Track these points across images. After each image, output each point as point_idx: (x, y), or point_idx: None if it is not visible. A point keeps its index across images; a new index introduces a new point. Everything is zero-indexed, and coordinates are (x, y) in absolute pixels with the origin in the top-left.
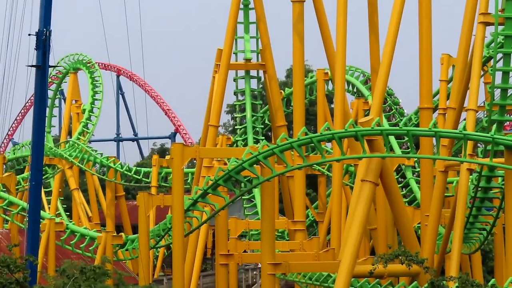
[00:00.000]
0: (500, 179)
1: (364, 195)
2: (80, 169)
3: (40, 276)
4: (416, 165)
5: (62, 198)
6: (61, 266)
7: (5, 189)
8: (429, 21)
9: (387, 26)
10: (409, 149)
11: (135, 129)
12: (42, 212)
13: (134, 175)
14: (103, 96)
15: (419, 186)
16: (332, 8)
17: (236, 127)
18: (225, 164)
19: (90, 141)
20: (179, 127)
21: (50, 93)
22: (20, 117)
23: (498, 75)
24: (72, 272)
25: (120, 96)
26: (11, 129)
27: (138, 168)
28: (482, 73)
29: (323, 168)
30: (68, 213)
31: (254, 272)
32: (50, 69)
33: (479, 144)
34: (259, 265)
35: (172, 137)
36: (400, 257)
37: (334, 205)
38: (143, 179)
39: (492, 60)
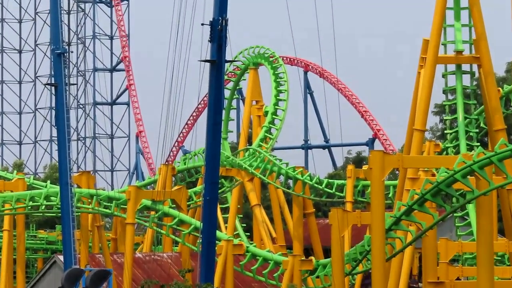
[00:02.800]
0: None
1: None
2: (262, 181)
3: None
4: None
5: (241, 215)
6: None
7: (174, 205)
8: None
9: None
10: None
11: (327, 135)
12: (218, 233)
13: (326, 189)
14: (288, 95)
15: None
16: None
17: (445, 131)
18: (433, 175)
19: (273, 149)
20: (378, 132)
21: (226, 93)
22: (192, 121)
23: None
24: None
25: (309, 95)
26: (181, 135)
27: (330, 181)
28: None
29: None
30: (248, 234)
31: None
32: (227, 65)
33: None
34: None
35: (370, 143)
36: None
37: None
38: (336, 193)
39: None
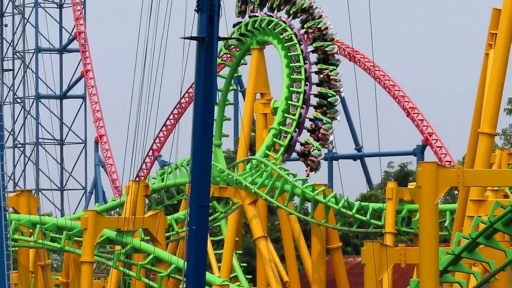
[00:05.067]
0: None
1: None
2: (270, 205)
3: None
4: None
5: (241, 252)
6: None
7: (148, 238)
8: None
9: None
10: None
11: (358, 141)
12: (208, 275)
13: (357, 215)
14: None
15: None
16: None
17: None
18: (506, 196)
19: (284, 160)
20: (430, 136)
21: (220, 82)
22: (172, 121)
23: None
24: None
25: None
26: (157, 141)
27: (363, 204)
28: None
29: None
30: (251, 277)
31: None
32: (220, 44)
33: None
34: None
35: (419, 152)
36: None
37: None
38: (372, 221)
39: None
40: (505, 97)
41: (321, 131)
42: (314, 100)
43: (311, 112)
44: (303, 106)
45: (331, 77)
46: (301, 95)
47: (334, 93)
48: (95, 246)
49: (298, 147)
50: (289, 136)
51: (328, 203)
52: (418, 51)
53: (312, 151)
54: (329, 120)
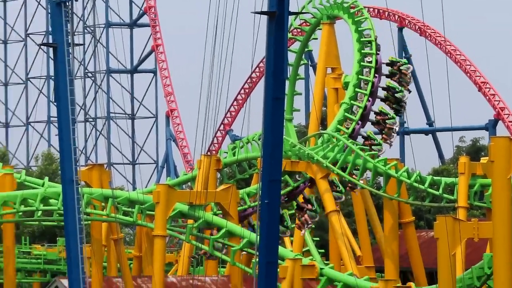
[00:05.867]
0: None
1: None
2: (342, 179)
3: None
4: None
5: (313, 226)
6: None
7: (220, 212)
8: None
9: None
10: None
11: (430, 115)
12: (280, 249)
13: (430, 189)
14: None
15: None
16: None
17: None
18: None
19: (355, 135)
20: (502, 111)
21: (291, 57)
22: (243, 95)
23: None
24: None
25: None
26: (228, 115)
27: (435, 178)
28: None
29: None
30: (323, 251)
31: None
32: (291, 18)
33: None
34: None
35: (491, 127)
36: None
37: None
38: (444, 195)
39: None
40: None
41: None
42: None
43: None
44: (376, 75)
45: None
46: (372, 69)
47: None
48: (167, 220)
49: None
50: (360, 110)
51: (400, 178)
52: (490, 25)
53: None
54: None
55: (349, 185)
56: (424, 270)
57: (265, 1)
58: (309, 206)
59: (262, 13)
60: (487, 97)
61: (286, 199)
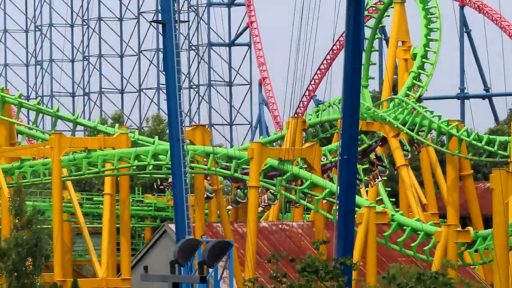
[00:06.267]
0: None
1: None
2: (410, 138)
3: (357, 284)
4: None
5: (385, 178)
6: (388, 272)
7: (305, 166)
8: None
9: None
10: None
11: (487, 82)
12: (357, 198)
13: (486, 147)
14: (441, 35)
15: None
16: None
17: None
18: None
19: (423, 99)
20: None
21: (367, 32)
22: (325, 66)
23: None
24: (402, 281)
25: (465, 35)
26: (312, 82)
27: (491, 137)
28: None
29: None
30: (394, 199)
31: None
32: None
33: None
34: None
35: None
36: None
37: None
38: (499, 151)
39: None
40: None
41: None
42: None
43: None
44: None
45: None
46: (437, 43)
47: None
48: (260, 173)
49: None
50: (426, 79)
51: (461, 136)
52: None
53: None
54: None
55: (416, 143)
56: (481, 216)
57: None
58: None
59: None
60: None
61: (361, 155)
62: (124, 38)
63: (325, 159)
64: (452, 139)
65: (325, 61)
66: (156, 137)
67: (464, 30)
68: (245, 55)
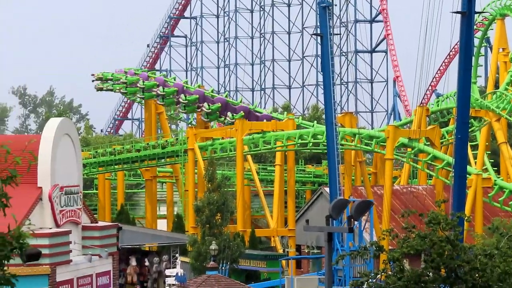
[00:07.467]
0: None
1: None
2: (509, 122)
3: (467, 234)
4: None
5: (489, 152)
6: (492, 224)
7: (429, 143)
8: None
9: None
10: None
11: None
12: (468, 167)
13: None
14: None
15: None
16: None
17: None
18: None
19: None
20: None
21: (475, 41)
22: (444, 67)
23: None
24: (503, 230)
25: None
26: (434, 79)
27: None
28: None
29: None
30: (496, 169)
31: None
32: (476, 16)
33: None
34: None
35: None
36: None
37: None
38: None
39: None
40: None
41: None
42: None
43: None
44: None
45: None
46: None
47: None
48: (394, 148)
49: None
50: None
51: None
52: None
53: None
54: None
55: None
56: None
57: (459, 4)
58: None
59: (457, 12)
60: None
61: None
62: (291, 47)
63: (443, 138)
64: None
65: (443, 63)
66: (315, 121)
67: None
68: (383, 59)
